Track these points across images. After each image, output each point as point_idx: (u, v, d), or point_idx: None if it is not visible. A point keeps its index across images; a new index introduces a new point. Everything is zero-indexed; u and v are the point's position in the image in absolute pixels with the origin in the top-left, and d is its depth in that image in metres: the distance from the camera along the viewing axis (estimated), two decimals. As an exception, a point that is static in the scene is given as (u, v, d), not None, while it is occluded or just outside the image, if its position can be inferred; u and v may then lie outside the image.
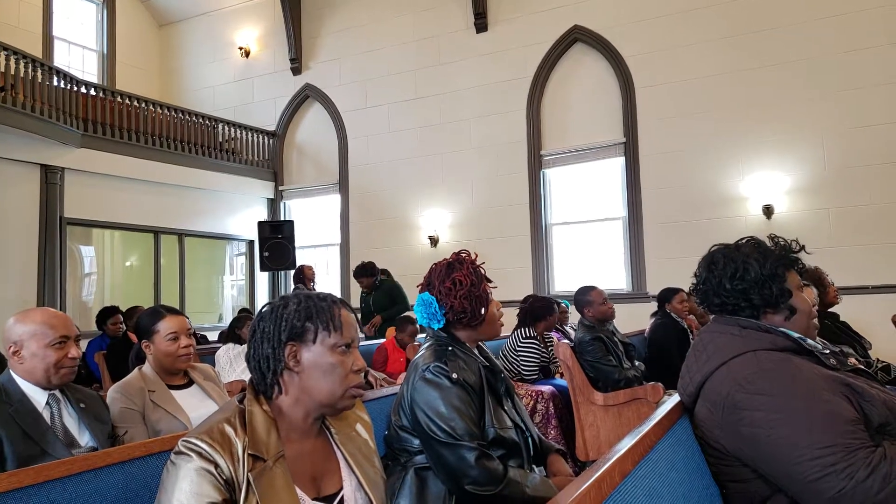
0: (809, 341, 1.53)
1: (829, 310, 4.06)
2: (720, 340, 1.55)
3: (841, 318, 4.17)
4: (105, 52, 10.97)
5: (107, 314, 5.63)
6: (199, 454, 1.14)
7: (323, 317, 1.30)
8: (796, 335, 1.54)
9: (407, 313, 5.87)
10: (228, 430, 1.19)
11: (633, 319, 6.56)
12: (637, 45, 7.82)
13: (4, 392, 1.83)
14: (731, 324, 1.58)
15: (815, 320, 1.66)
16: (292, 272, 8.96)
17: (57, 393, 1.93)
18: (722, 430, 1.45)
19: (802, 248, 1.69)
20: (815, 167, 6.89)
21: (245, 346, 4.56)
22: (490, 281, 2.04)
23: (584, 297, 4.11)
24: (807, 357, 1.48)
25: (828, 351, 1.52)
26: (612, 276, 7.82)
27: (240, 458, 1.17)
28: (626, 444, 1.18)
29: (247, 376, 4.18)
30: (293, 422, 1.30)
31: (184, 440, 1.16)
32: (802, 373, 1.39)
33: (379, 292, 6.61)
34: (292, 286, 7.60)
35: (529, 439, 1.95)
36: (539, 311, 4.54)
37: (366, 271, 6.58)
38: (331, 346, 1.30)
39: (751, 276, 1.58)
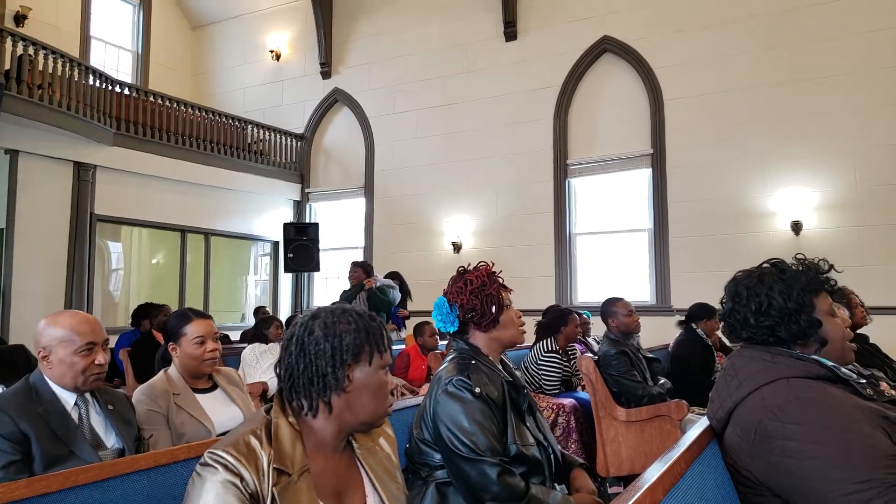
0: (844, 370, 1.48)
1: (858, 331, 3.95)
2: (752, 366, 1.51)
3: (870, 340, 4.06)
4: (140, 52, 11.19)
5: (145, 311, 5.60)
6: (225, 467, 1.14)
7: (378, 338, 1.32)
8: (830, 363, 1.49)
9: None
10: (254, 442, 1.19)
11: (656, 333, 6.47)
12: (667, 56, 7.75)
13: (35, 391, 1.85)
14: (762, 350, 1.54)
15: (852, 343, 1.60)
16: (313, 272, 8.87)
17: (86, 394, 1.95)
18: (752, 457, 1.41)
19: (832, 267, 1.61)
20: (847, 184, 6.75)
21: (270, 345, 4.65)
22: (507, 288, 2.03)
23: (610, 307, 4.05)
24: (842, 386, 1.44)
25: (864, 380, 1.47)
26: (637, 289, 7.74)
27: (265, 471, 1.16)
28: (656, 471, 1.15)
29: (269, 376, 4.25)
30: (323, 438, 1.30)
31: (210, 452, 1.16)
32: (838, 403, 1.35)
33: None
34: (348, 280, 6.77)
35: (552, 456, 1.93)
36: (554, 322, 4.49)
37: (364, 266, 6.50)
38: (379, 367, 1.32)
39: (775, 312, 1.51)
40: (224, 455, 1.15)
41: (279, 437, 1.23)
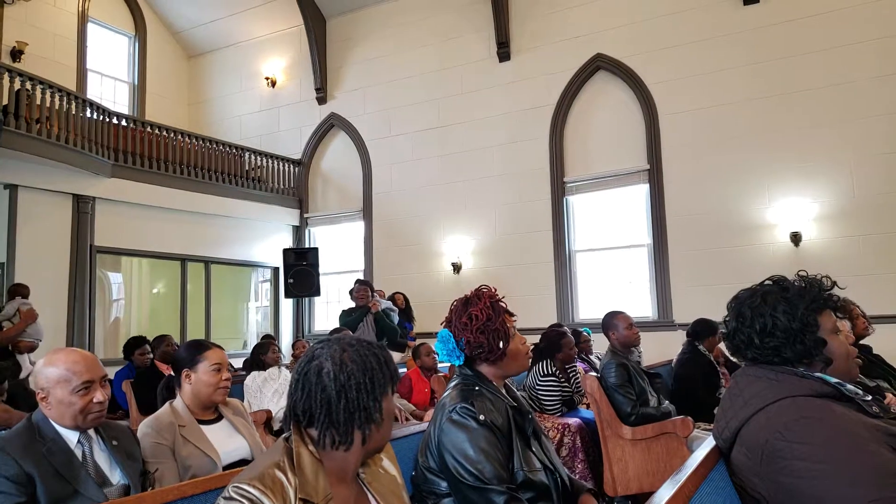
0: (849, 387, 1.48)
1: (861, 342, 3.95)
2: (757, 385, 1.50)
3: (873, 351, 4.05)
4: (136, 83, 11.29)
5: (135, 344, 5.61)
6: (252, 502, 1.13)
7: (395, 368, 1.37)
8: (834, 381, 1.48)
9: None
10: (279, 475, 1.19)
11: (658, 348, 6.46)
12: (660, 72, 7.83)
13: (38, 430, 1.83)
14: (766, 368, 1.54)
15: (857, 358, 1.59)
16: (314, 297, 8.83)
17: (89, 430, 1.93)
18: (760, 478, 1.40)
19: (834, 283, 1.60)
20: (844, 193, 6.78)
21: (269, 371, 4.63)
22: (512, 315, 2.01)
23: (611, 320, 4.05)
24: (847, 404, 1.43)
25: (869, 397, 1.47)
26: (638, 304, 7.73)
27: (292, 502, 1.17)
28: (665, 495, 1.15)
29: (273, 404, 4.23)
30: (345, 466, 1.30)
31: (235, 486, 1.16)
32: (845, 421, 1.35)
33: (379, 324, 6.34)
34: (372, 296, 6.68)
35: (559, 480, 1.92)
36: (550, 347, 4.50)
37: (370, 285, 6.48)
38: (392, 395, 1.35)
39: (780, 332, 1.51)
40: (249, 489, 1.14)
41: (302, 466, 1.23)
